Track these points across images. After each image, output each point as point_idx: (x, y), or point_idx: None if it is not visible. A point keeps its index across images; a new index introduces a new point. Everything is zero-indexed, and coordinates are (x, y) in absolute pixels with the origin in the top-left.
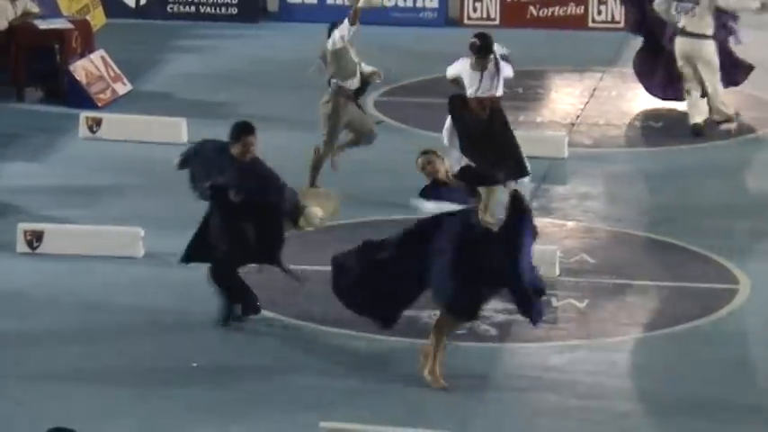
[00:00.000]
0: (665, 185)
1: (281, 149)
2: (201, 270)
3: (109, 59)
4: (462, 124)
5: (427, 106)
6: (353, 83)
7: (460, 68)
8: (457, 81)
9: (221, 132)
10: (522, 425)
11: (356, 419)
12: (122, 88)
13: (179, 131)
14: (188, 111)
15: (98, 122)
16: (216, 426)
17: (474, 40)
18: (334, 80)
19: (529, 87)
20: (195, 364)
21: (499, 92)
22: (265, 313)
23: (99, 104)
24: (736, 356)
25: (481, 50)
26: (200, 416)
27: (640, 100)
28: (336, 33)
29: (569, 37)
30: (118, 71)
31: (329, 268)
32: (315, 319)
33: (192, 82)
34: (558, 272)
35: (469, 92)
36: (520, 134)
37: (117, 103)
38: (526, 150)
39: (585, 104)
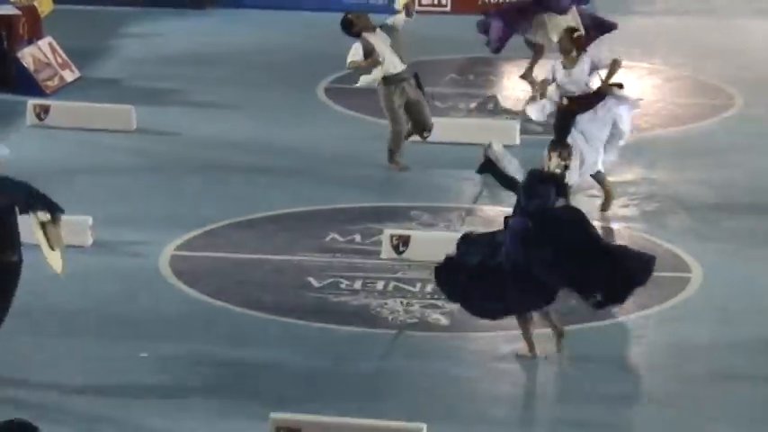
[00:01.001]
0: (618, 174)
1: (230, 135)
2: (150, 258)
3: (57, 46)
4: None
5: (377, 93)
6: (395, 67)
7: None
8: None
9: (169, 120)
10: (475, 414)
11: (307, 410)
12: (70, 75)
13: (127, 119)
14: (136, 98)
15: (46, 110)
16: (164, 416)
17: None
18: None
19: (480, 74)
20: (144, 354)
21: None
22: (215, 303)
23: (47, 92)
24: (687, 345)
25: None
26: (149, 406)
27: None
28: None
29: None
30: (66, 58)
31: (278, 257)
32: (266, 308)
33: (140, 69)
34: None
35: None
36: (471, 122)
37: (65, 91)
38: (478, 138)
39: (538, 92)
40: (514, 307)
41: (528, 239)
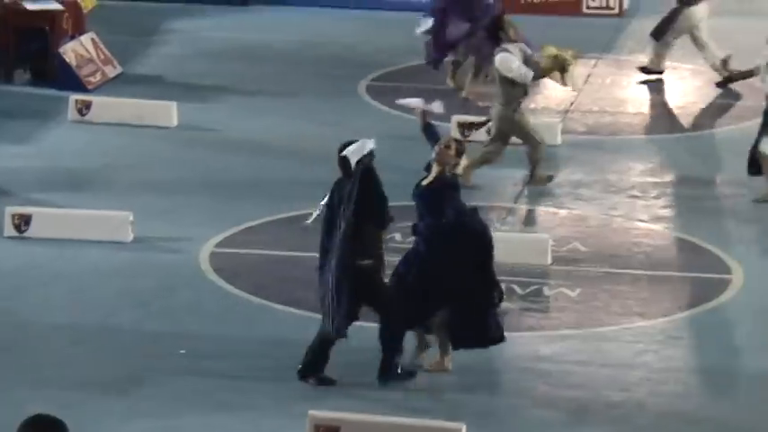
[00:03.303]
0: (659, 174)
1: (271, 132)
2: (190, 254)
3: (99, 42)
4: None
5: (420, 92)
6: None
7: None
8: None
9: (211, 116)
10: (513, 414)
11: (347, 408)
12: (112, 71)
13: (169, 115)
14: (178, 94)
15: (87, 105)
16: (201, 414)
17: None
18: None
19: None
20: (182, 351)
21: None
22: (256, 300)
23: (89, 87)
24: (729, 347)
25: None
26: (186, 403)
27: (635, 87)
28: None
29: (563, 23)
30: (108, 54)
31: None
32: (307, 305)
33: (182, 65)
34: (549, 260)
35: None
36: None
37: (107, 86)
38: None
39: (579, 91)
40: (416, 315)
41: (434, 245)
